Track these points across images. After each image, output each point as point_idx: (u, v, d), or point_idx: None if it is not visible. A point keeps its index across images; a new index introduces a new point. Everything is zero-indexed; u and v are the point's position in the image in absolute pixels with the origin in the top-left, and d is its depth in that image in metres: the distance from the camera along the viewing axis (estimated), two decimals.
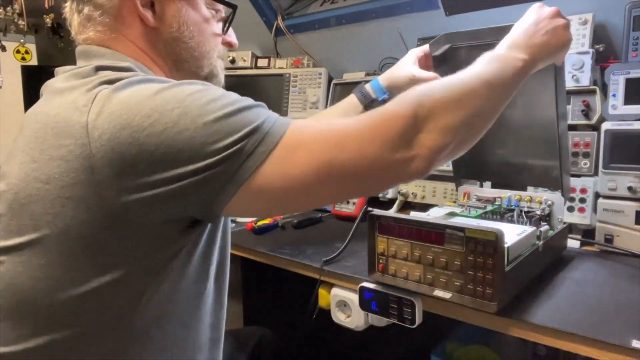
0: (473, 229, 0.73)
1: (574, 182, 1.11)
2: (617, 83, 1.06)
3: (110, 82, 0.57)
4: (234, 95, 0.59)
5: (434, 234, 0.77)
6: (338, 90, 1.71)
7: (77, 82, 0.59)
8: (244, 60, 1.93)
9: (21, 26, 1.72)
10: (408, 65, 1.00)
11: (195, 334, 0.67)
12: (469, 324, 0.78)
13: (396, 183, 0.71)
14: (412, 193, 1.42)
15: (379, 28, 1.59)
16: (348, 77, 1.71)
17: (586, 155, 1.12)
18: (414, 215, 0.95)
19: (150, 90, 0.55)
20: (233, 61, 1.94)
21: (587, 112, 1.11)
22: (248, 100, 0.59)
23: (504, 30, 0.77)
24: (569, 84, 1.13)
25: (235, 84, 1.95)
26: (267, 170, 0.55)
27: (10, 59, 1.81)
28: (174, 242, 0.59)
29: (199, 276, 0.66)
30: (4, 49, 1.76)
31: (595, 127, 1.11)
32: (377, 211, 0.86)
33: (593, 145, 1.11)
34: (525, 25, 0.73)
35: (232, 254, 1.21)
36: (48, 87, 0.64)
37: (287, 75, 1.82)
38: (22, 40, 1.78)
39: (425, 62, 1.00)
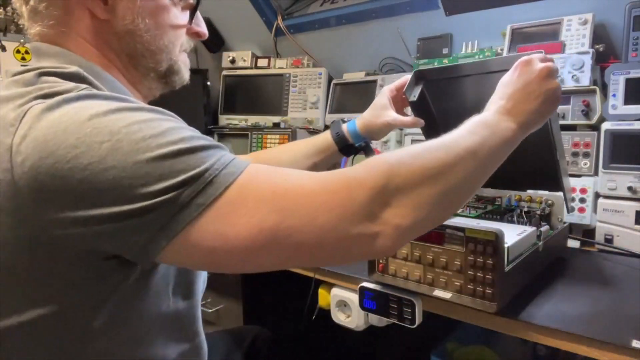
0: (473, 229, 0.73)
1: (574, 182, 1.11)
2: (617, 83, 1.06)
3: (46, 96, 0.51)
4: (183, 132, 0.50)
5: (434, 233, 0.76)
6: (338, 90, 1.71)
7: (16, 91, 0.54)
8: (244, 60, 1.93)
9: (21, 26, 1.72)
10: (383, 110, 0.97)
11: (161, 351, 0.63)
12: (469, 324, 0.78)
13: (358, 259, 0.59)
14: None
15: (379, 28, 1.59)
16: (348, 77, 1.71)
17: (586, 155, 1.12)
18: None
19: (84, 114, 0.48)
20: (233, 61, 1.94)
21: (587, 112, 1.11)
22: (199, 140, 0.51)
23: (477, 66, 0.75)
24: (569, 84, 1.13)
25: (235, 84, 1.96)
26: (203, 226, 0.48)
27: (10, 59, 1.81)
28: (116, 273, 0.53)
29: (156, 299, 0.60)
30: (4, 49, 1.75)
31: (595, 127, 1.11)
32: None
33: (593, 145, 1.11)
34: (514, 88, 0.66)
35: None
36: None
37: (287, 75, 1.82)
38: (22, 40, 1.77)
39: (400, 98, 0.98)
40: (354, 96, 1.67)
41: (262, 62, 1.91)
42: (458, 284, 0.75)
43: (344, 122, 1.01)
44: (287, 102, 1.81)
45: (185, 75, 0.72)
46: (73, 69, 0.56)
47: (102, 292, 0.54)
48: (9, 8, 1.70)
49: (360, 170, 0.53)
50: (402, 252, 0.81)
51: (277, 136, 1.60)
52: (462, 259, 0.74)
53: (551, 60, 0.70)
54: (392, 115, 0.96)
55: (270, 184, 0.50)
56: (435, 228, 0.75)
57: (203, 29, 0.73)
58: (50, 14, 0.60)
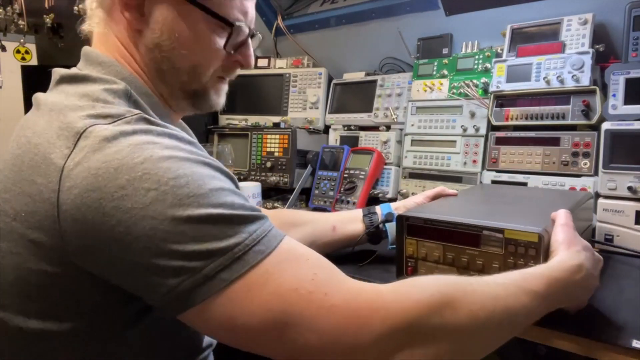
0: (513, 230, 0.69)
1: (574, 182, 1.11)
2: (617, 83, 1.06)
3: (98, 116, 0.53)
4: (227, 197, 0.51)
5: (469, 235, 0.73)
6: (338, 90, 1.71)
7: (67, 102, 0.55)
8: None
9: (21, 26, 1.72)
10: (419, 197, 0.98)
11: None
12: None
13: None
14: (412, 193, 1.42)
15: (379, 28, 1.59)
16: (348, 77, 1.71)
17: (586, 155, 1.12)
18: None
19: (139, 156, 0.49)
20: None
21: (587, 112, 1.11)
22: (239, 209, 0.51)
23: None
24: (569, 84, 1.13)
25: (235, 84, 1.95)
26: (219, 303, 0.48)
27: (10, 59, 1.81)
28: (136, 300, 0.53)
29: (177, 325, 0.59)
30: (4, 49, 1.76)
31: (595, 127, 1.11)
32: (406, 212, 0.82)
33: (593, 145, 1.11)
34: (575, 278, 0.63)
35: None
36: (41, 99, 0.59)
37: (287, 75, 1.82)
38: (22, 40, 1.77)
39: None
40: (354, 96, 1.67)
41: (262, 62, 1.91)
42: None
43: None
44: (287, 102, 1.81)
45: (216, 101, 0.72)
46: (121, 85, 0.59)
47: (120, 317, 0.55)
48: (8, 8, 1.70)
49: (393, 298, 0.50)
50: (433, 254, 0.77)
51: (277, 136, 1.60)
52: (501, 261, 0.70)
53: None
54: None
55: (295, 278, 0.49)
56: (470, 229, 0.73)
57: (247, 60, 0.72)
58: (97, 14, 0.66)
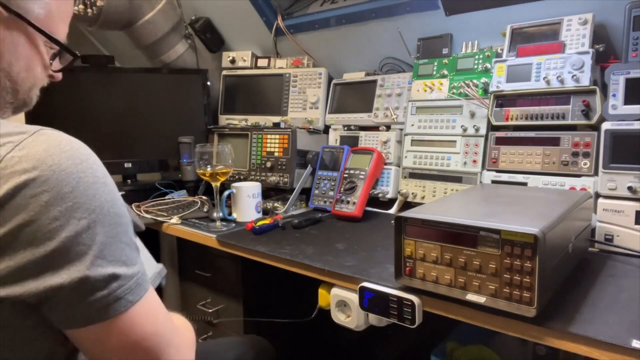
0: (509, 231, 0.70)
1: (574, 182, 1.11)
2: (617, 83, 1.06)
3: None
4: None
5: (466, 236, 0.74)
6: (338, 90, 1.71)
7: None
8: (244, 60, 1.93)
9: None
10: None
11: None
12: (469, 324, 0.77)
13: None
14: (412, 193, 1.42)
15: (379, 28, 1.59)
16: (348, 77, 1.71)
17: (586, 155, 1.12)
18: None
19: None
20: (233, 61, 1.94)
21: (587, 112, 1.11)
22: None
23: None
24: (569, 84, 1.13)
25: (235, 84, 1.96)
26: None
27: None
28: None
29: None
30: None
31: (595, 127, 1.11)
32: (405, 212, 0.81)
33: (593, 145, 1.11)
34: None
35: (232, 254, 1.21)
36: None
37: (287, 75, 1.83)
38: None
39: None
40: (354, 96, 1.67)
41: (262, 62, 1.91)
42: (493, 287, 0.72)
43: None
44: (287, 102, 1.82)
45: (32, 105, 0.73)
46: None
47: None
48: None
49: None
50: (431, 255, 0.78)
51: (277, 136, 1.60)
52: (498, 262, 0.71)
53: None
54: None
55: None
56: (467, 230, 0.73)
57: (59, 77, 0.74)
58: None
